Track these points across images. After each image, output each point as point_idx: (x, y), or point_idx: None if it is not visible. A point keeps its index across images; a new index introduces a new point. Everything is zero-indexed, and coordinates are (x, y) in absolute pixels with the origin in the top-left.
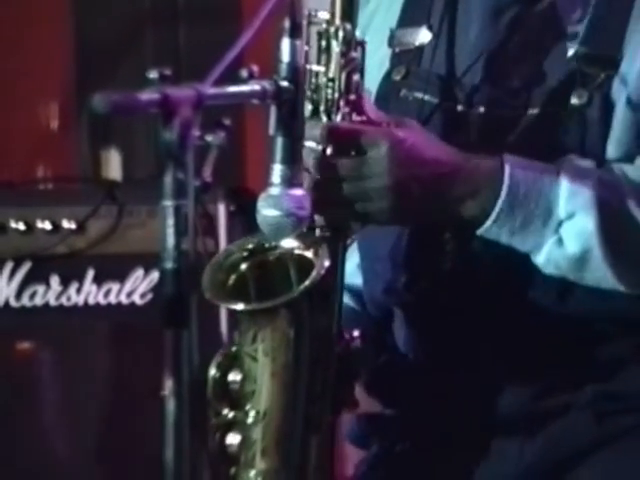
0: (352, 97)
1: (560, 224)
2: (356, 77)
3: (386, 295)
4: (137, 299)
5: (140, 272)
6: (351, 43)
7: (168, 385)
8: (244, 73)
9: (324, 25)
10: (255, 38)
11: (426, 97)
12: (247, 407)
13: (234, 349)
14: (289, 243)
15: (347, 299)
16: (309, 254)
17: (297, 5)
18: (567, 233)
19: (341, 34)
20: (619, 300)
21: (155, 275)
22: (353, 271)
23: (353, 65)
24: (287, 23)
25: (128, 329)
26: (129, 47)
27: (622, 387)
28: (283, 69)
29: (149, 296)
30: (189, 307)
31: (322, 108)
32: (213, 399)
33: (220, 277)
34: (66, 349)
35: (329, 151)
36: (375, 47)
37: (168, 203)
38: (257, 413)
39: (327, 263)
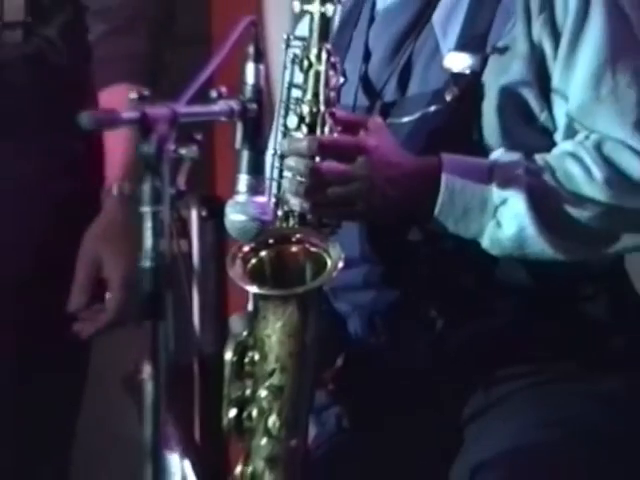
0: (333, 110)
1: (496, 209)
2: (333, 93)
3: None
4: None
5: None
6: (331, 63)
7: (147, 370)
8: (214, 94)
9: (302, 48)
10: (223, 63)
11: None
12: (266, 384)
13: (245, 334)
14: (305, 236)
15: None
16: (322, 251)
17: (260, 33)
18: (503, 216)
19: (324, 55)
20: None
21: None
22: None
23: (335, 83)
24: (251, 49)
25: None
26: None
27: (508, 355)
28: (248, 90)
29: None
30: (165, 301)
31: (307, 120)
32: (231, 379)
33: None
34: None
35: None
36: None
37: (146, 209)
38: (277, 389)
39: (341, 264)
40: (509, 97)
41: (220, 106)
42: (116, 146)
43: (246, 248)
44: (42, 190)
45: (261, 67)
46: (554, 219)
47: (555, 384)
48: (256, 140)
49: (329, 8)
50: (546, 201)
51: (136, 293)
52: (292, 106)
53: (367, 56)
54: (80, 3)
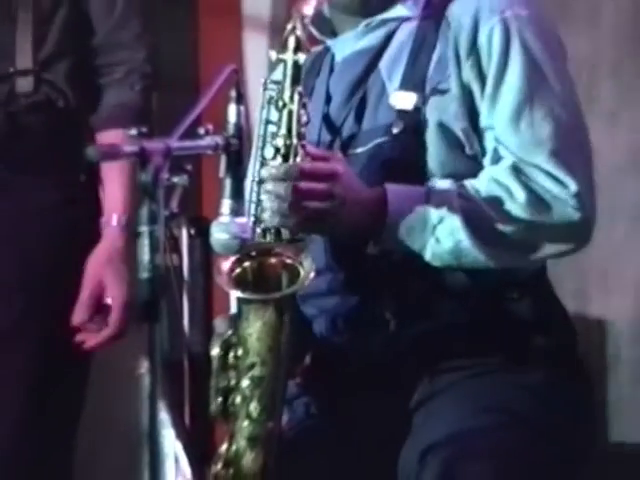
0: (304, 143)
1: (434, 228)
2: (303, 129)
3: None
4: None
5: None
6: (302, 103)
7: (144, 365)
8: (201, 130)
9: (277, 90)
10: (209, 104)
11: None
12: (248, 375)
13: (229, 333)
14: (282, 250)
15: None
16: (296, 263)
17: (241, 79)
18: (441, 233)
19: (297, 97)
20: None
21: None
22: None
23: (305, 120)
24: (233, 93)
25: None
26: None
27: (450, 351)
28: (230, 127)
29: None
30: (160, 307)
31: (282, 152)
32: (217, 371)
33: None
34: None
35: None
36: None
37: (144, 228)
38: (258, 379)
39: (312, 275)
40: (446, 130)
41: (207, 141)
42: (115, 187)
43: (232, 259)
44: (53, 217)
45: (242, 108)
46: (485, 233)
47: (489, 376)
48: (237, 170)
49: (300, 56)
50: (477, 218)
51: (135, 305)
52: (268, 139)
53: (328, 100)
54: (83, 49)
